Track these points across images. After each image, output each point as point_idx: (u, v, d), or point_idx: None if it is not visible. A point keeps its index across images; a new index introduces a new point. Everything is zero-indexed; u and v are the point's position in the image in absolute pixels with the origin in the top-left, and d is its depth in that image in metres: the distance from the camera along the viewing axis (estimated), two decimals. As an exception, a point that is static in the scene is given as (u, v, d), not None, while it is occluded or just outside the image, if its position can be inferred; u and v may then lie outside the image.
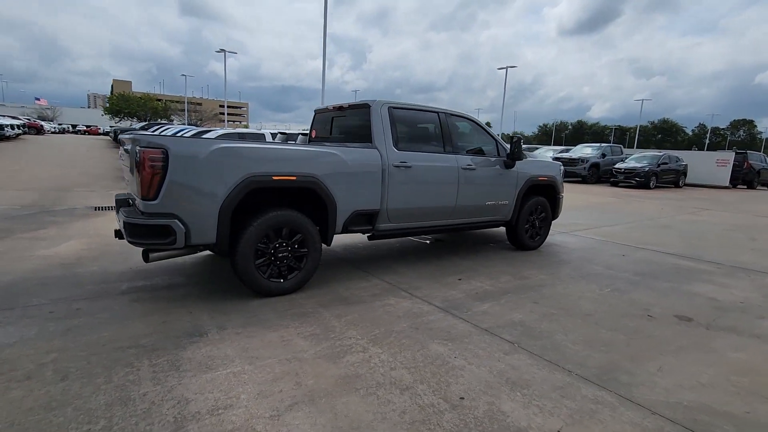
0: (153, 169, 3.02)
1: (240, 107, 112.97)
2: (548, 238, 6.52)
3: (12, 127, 24.05)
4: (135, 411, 2.03)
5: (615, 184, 18.06)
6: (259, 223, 3.47)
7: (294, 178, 3.59)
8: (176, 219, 3.13)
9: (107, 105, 45.04)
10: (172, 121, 42.65)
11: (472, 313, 3.46)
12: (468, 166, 4.84)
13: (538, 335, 3.09)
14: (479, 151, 5.16)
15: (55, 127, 56.02)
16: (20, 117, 38.21)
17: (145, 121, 37.16)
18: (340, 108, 4.83)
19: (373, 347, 2.80)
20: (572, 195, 13.39)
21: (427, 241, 6.16)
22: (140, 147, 3.02)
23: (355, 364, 2.57)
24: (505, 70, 34.43)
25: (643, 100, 56.17)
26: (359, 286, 4.03)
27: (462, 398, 2.26)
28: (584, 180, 18.54)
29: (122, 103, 41.45)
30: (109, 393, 2.16)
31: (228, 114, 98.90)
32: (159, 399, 2.13)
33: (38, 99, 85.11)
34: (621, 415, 2.16)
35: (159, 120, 39.54)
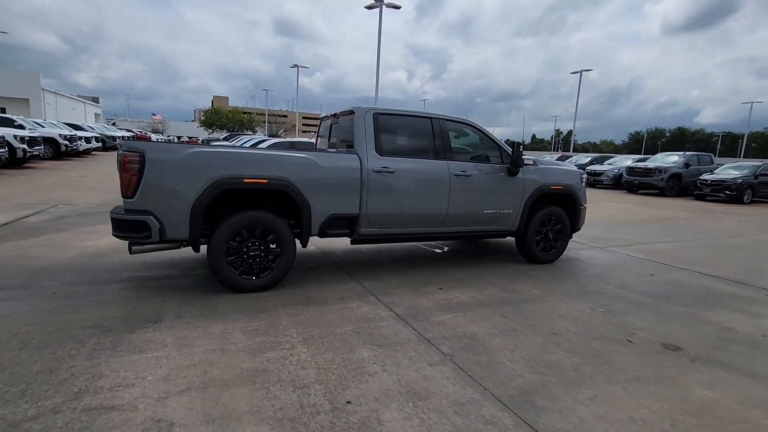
0: (131, 171, 3.40)
1: (319, 118, 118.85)
2: (574, 253, 6.06)
3: (88, 140, 20.78)
4: (53, 380, 2.31)
5: (701, 198, 16.03)
6: (230, 222, 3.71)
7: (265, 180, 3.79)
8: (151, 216, 3.48)
9: (202, 118, 50.22)
10: (255, 132, 46.30)
11: (426, 323, 3.36)
12: (462, 173, 4.69)
13: (481, 350, 2.92)
14: (479, 158, 4.99)
15: (163, 138, 63.87)
16: (133, 130, 44.02)
17: (233, 132, 40.84)
18: (335, 115, 4.98)
19: (300, 346, 2.86)
20: (635, 208, 12.20)
21: (437, 250, 6.04)
22: (122, 151, 3.42)
23: (272, 360, 2.66)
24: (579, 74, 32.27)
25: (752, 102, 48.71)
26: (333, 288, 4.10)
27: (349, 402, 2.23)
28: (662, 192, 16.69)
29: (214, 116, 46.00)
30: (45, 362, 2.48)
31: (308, 125, 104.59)
32: (79, 372, 2.40)
33: (154, 114, 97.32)
34: (508, 440, 1.99)
35: (244, 131, 43.16)
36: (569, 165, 6.21)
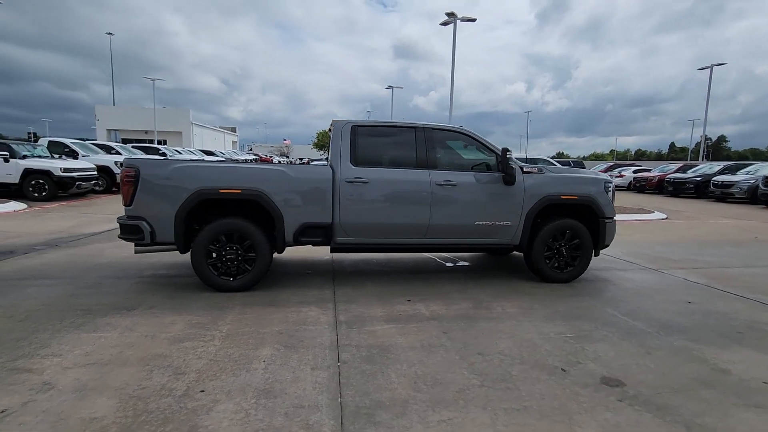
0: (128, 183, 4.09)
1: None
2: (611, 274, 5.36)
3: (89, 179, 12.48)
4: (15, 345, 2.93)
5: None
6: (209, 228, 4.19)
7: (239, 191, 4.19)
8: (144, 221, 4.12)
9: (315, 141, 55.09)
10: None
11: (355, 331, 3.35)
12: (446, 182, 4.53)
13: (380, 361, 2.83)
14: (479, 167, 4.74)
15: (287, 160, 71.89)
16: (259, 154, 50.22)
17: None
18: (330, 129, 5.23)
19: (218, 340, 3.11)
20: (758, 226, 9.95)
21: (448, 264, 5.82)
22: (122, 167, 4.14)
23: (182, 348, 2.95)
24: (709, 69, 27.27)
25: None
26: (303, 293, 4.29)
27: (202, 391, 2.40)
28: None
29: (326, 138, 50.09)
30: (24, 332, 3.14)
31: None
32: (36, 342, 2.99)
33: (285, 140, 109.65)
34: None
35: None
36: (593, 172, 5.47)
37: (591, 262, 4.94)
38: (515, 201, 4.68)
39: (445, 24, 17.20)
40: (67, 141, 14.91)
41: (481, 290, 4.53)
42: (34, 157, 12.27)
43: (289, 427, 2.09)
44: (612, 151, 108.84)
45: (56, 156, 13.28)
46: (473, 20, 17.07)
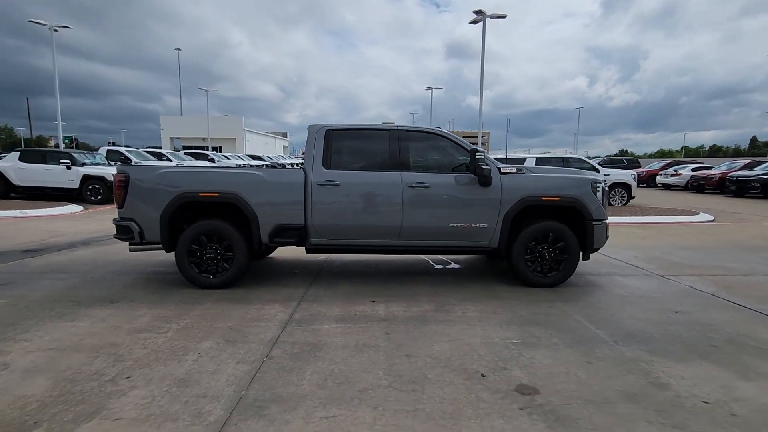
0: (120, 187, 4.50)
1: (481, 136, 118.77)
2: (609, 279, 5.07)
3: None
4: (4, 330, 3.34)
5: None
6: (190, 229, 4.49)
7: (217, 194, 4.46)
8: (134, 222, 4.51)
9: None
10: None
11: (302, 329, 3.46)
12: (418, 184, 4.52)
13: (307, 359, 2.92)
14: (459, 169, 4.67)
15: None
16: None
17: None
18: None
19: (171, 332, 3.35)
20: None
21: (437, 266, 5.76)
22: (115, 173, 4.56)
23: (135, 338, 3.21)
24: None
25: None
26: (275, 291, 4.47)
27: (128, 378, 2.62)
28: None
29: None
30: (16, 318, 3.57)
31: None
32: (20, 328, 3.38)
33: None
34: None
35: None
36: (582, 172, 5.16)
37: (593, 266, 4.71)
38: (492, 203, 4.56)
39: (474, 22, 16.82)
40: (122, 149, 16.42)
41: (453, 293, 4.47)
42: (92, 164, 13.63)
43: (180, 414, 2.24)
44: (683, 148, 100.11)
45: (112, 163, 14.65)
46: (503, 17, 16.50)
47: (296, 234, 4.62)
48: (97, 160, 14.33)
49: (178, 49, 43.28)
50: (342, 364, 2.84)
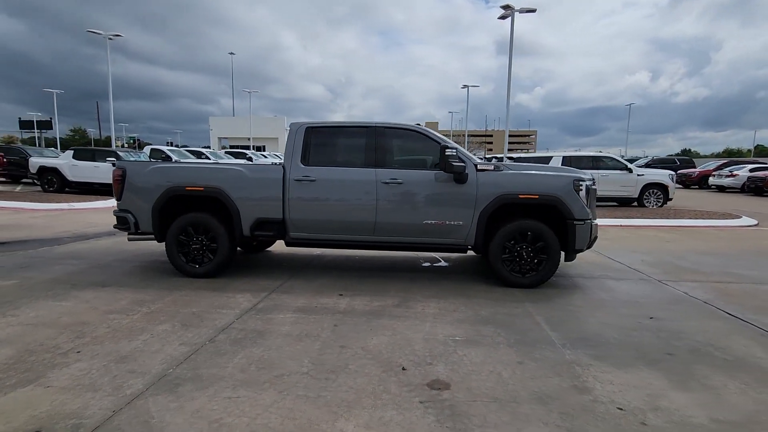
0: (117, 181, 4.88)
1: (528, 135, 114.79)
2: (597, 282, 4.85)
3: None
4: (1, 306, 3.76)
5: None
6: (178, 221, 4.79)
7: (202, 188, 4.73)
8: (129, 213, 4.88)
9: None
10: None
11: (258, 318, 3.61)
12: (392, 180, 4.55)
13: (246, 344, 3.06)
14: (435, 165, 4.66)
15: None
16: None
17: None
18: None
19: (139, 315, 3.61)
20: None
21: (425, 263, 5.74)
22: (114, 167, 4.95)
23: (106, 319, 3.50)
24: None
25: None
26: (256, 282, 4.66)
27: (78, 352, 2.88)
28: None
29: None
30: (16, 296, 3.98)
31: (515, 142, 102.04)
32: (18, 304, 3.79)
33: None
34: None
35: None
36: (565, 169, 4.93)
37: (587, 268, 4.56)
38: (467, 200, 4.50)
39: (503, 18, 16.34)
40: (164, 148, 17.55)
41: (424, 290, 4.46)
42: (135, 162, 14.69)
43: (104, 386, 2.44)
44: (757, 146, 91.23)
45: (153, 161, 15.73)
46: (533, 11, 15.84)
47: (276, 228, 4.79)
48: (141, 159, 15.41)
49: (232, 53, 45.63)
50: (275, 351, 2.95)
